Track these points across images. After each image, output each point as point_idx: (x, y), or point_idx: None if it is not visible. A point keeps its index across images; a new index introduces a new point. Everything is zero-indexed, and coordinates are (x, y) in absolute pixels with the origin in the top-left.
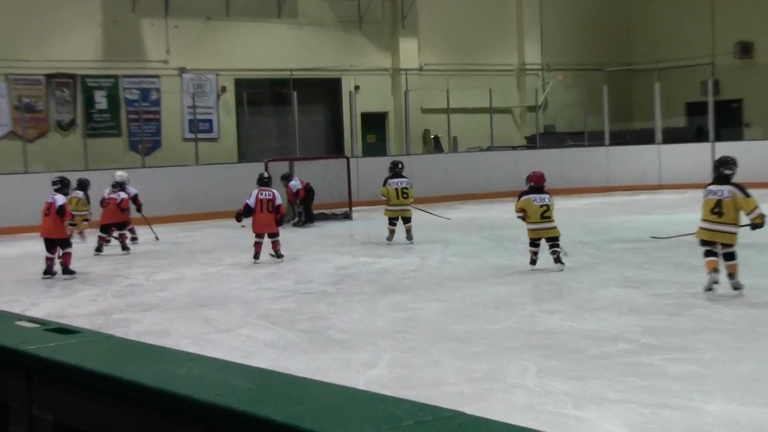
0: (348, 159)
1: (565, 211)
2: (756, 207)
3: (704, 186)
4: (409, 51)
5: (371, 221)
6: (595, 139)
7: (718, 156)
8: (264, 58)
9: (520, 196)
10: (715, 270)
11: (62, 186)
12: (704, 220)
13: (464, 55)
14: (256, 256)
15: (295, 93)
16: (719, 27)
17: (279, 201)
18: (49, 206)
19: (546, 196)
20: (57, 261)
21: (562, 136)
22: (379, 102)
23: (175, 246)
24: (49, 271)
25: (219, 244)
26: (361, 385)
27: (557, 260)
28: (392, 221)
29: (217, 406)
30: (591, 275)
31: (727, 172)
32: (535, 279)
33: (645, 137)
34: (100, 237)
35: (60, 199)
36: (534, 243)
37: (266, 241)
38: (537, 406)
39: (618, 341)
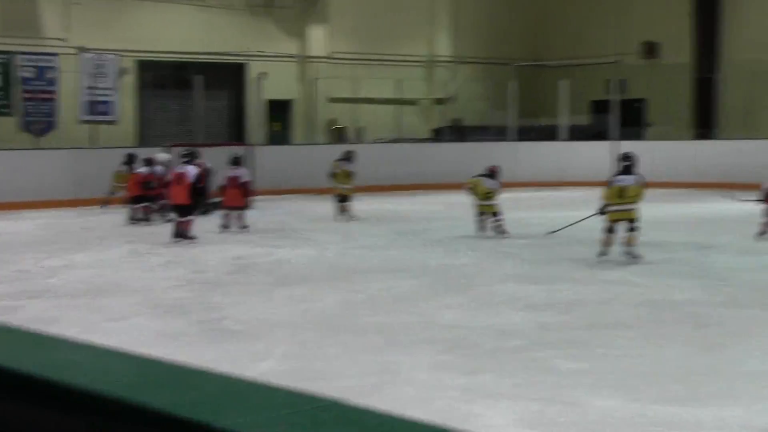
0: (251, 147)
1: (467, 205)
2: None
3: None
4: (318, 38)
5: (271, 211)
6: (502, 134)
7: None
8: (169, 40)
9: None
10: (608, 245)
11: None
12: (610, 202)
13: (374, 44)
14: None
15: (199, 77)
16: (626, 27)
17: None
18: None
19: (496, 183)
20: None
21: (469, 130)
22: (285, 89)
23: (68, 231)
24: None
25: (115, 230)
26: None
27: (499, 231)
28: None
29: (91, 393)
30: (491, 271)
31: (626, 164)
32: (435, 273)
33: (551, 134)
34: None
35: None
36: (480, 213)
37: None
38: (429, 399)
39: (513, 336)
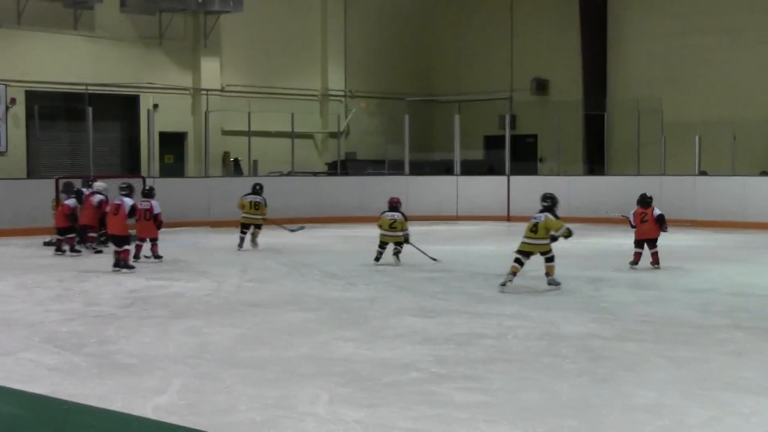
0: (144, 178)
1: (362, 239)
2: (562, 226)
3: (503, 218)
4: (210, 70)
5: (166, 243)
6: (395, 168)
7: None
8: (58, 70)
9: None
10: (514, 274)
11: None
12: (525, 237)
13: (267, 77)
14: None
15: (90, 108)
16: (517, 63)
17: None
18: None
19: (396, 214)
20: None
21: (363, 163)
22: (178, 121)
23: None
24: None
25: (3, 263)
26: (149, 412)
27: (396, 254)
28: (245, 227)
29: None
30: (387, 304)
31: (544, 204)
32: (331, 306)
33: (444, 168)
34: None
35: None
36: (382, 245)
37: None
38: None
39: (410, 370)
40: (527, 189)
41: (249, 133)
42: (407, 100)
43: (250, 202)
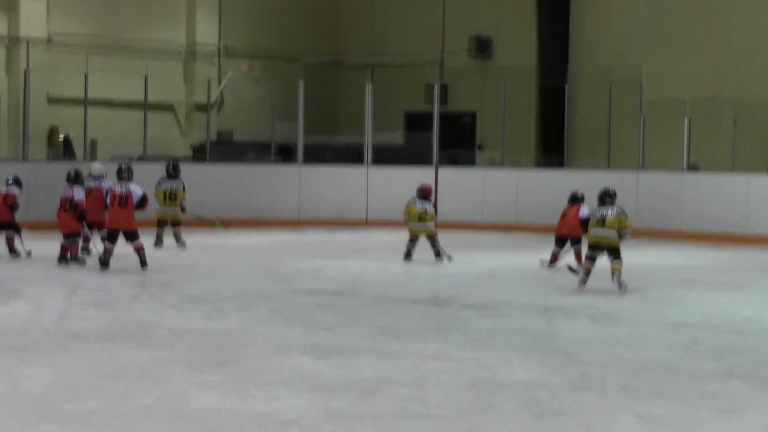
0: None
1: (238, 250)
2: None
3: None
4: (33, 12)
5: None
6: (285, 153)
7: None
8: None
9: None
10: (587, 273)
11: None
12: (593, 229)
13: (112, 24)
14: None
15: None
16: (451, 16)
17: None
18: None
19: (428, 203)
20: None
21: (241, 146)
22: None
23: None
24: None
25: None
26: None
27: (437, 254)
28: (161, 223)
29: None
30: (268, 338)
31: (609, 199)
32: (190, 341)
33: (351, 155)
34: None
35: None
36: (413, 239)
37: None
38: None
39: (294, 427)
40: (461, 185)
41: (85, 102)
42: (303, 61)
43: (164, 192)
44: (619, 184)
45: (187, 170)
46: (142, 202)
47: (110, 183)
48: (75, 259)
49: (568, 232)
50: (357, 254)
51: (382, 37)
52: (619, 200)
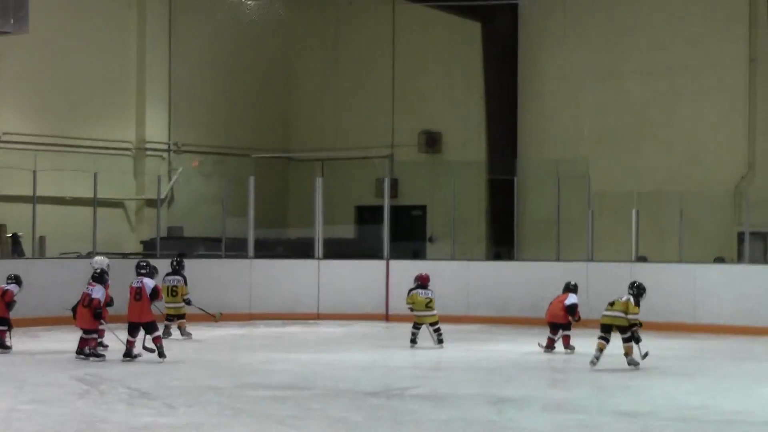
0: None
1: (189, 344)
2: (638, 313)
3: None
4: None
5: None
6: (236, 247)
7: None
8: None
9: (409, 292)
10: (601, 351)
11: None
12: (604, 311)
13: (62, 124)
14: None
15: None
16: (401, 111)
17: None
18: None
19: (429, 291)
20: None
21: (192, 241)
22: None
23: None
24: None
25: None
26: None
27: (439, 340)
28: (168, 317)
29: None
30: None
31: (630, 291)
32: None
33: (302, 249)
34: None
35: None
36: (416, 326)
37: None
38: None
39: None
40: (413, 277)
41: (34, 199)
42: (253, 156)
43: (167, 288)
44: (569, 276)
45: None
46: (154, 294)
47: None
48: (94, 354)
49: (551, 319)
50: (308, 347)
51: (332, 132)
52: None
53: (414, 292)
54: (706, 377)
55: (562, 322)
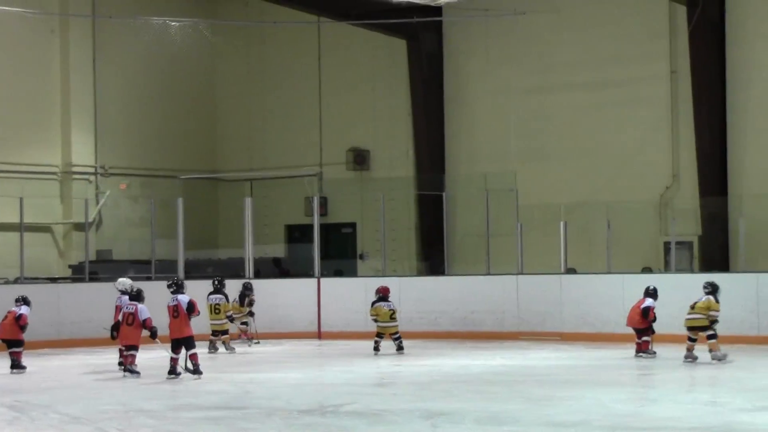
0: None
1: (120, 368)
2: (719, 310)
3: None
4: None
5: None
6: (166, 269)
7: None
8: None
9: (372, 304)
10: (690, 351)
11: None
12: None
13: None
14: None
15: None
16: (328, 130)
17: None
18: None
19: (391, 303)
20: None
21: (121, 264)
22: None
23: None
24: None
25: None
26: None
27: (400, 347)
28: (215, 333)
29: None
30: None
31: (706, 290)
32: None
33: (232, 269)
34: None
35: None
36: (379, 335)
37: None
38: None
39: None
40: (344, 295)
41: None
42: (181, 178)
43: (210, 306)
44: (499, 289)
45: (65, 290)
46: (191, 308)
47: (126, 299)
48: (130, 370)
49: (630, 324)
50: (242, 367)
51: (260, 152)
52: (501, 304)
53: (378, 304)
54: (636, 386)
55: (640, 327)
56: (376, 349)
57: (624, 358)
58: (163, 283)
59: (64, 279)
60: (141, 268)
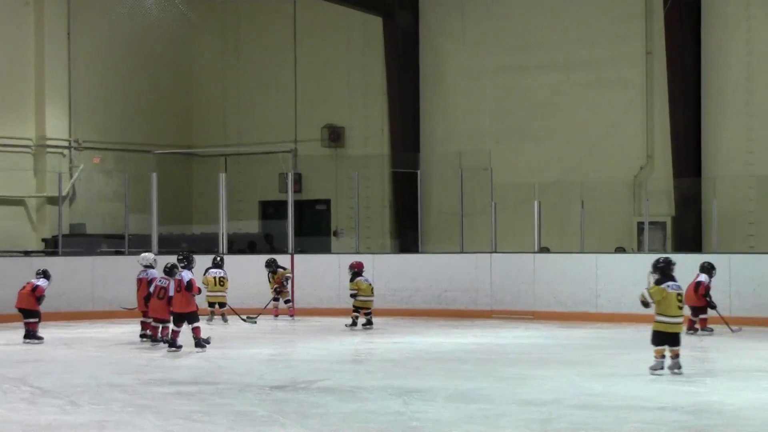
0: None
1: (93, 342)
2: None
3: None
4: None
5: None
6: (140, 244)
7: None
8: None
9: (352, 279)
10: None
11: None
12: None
13: None
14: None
15: None
16: (303, 106)
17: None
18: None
19: (368, 278)
20: None
21: (95, 239)
22: None
23: None
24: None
25: None
26: None
27: (369, 321)
28: (212, 305)
29: None
30: (122, 429)
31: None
32: None
33: (206, 245)
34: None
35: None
36: (357, 309)
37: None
38: None
39: None
40: (317, 271)
41: None
42: (155, 153)
43: (215, 278)
44: (473, 267)
45: (39, 263)
46: (188, 287)
47: (155, 272)
48: (166, 341)
49: (686, 302)
50: (214, 342)
51: (234, 128)
52: (474, 282)
53: (358, 279)
54: (608, 366)
55: (696, 304)
56: (354, 324)
57: (596, 337)
58: (134, 258)
59: (37, 252)
60: (114, 243)
